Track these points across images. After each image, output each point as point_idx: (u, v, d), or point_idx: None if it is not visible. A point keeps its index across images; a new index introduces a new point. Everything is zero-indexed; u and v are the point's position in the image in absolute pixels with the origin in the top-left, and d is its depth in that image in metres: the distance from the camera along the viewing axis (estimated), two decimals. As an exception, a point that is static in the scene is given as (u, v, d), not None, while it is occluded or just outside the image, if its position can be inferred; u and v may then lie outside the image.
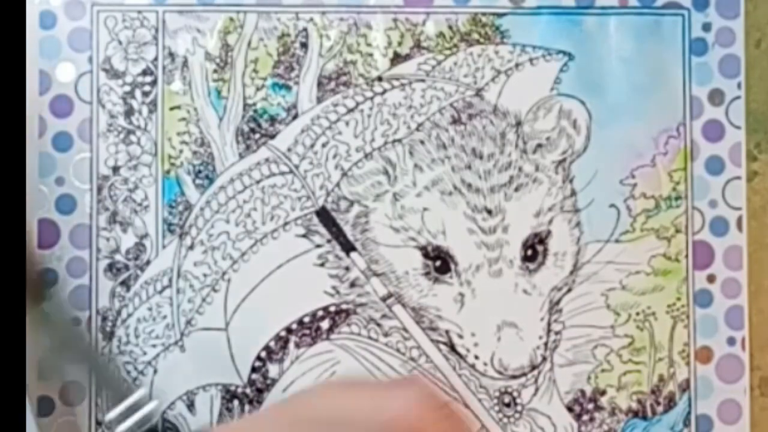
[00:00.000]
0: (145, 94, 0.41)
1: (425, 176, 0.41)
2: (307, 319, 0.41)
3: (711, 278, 0.42)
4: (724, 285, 0.42)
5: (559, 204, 0.42)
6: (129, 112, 0.41)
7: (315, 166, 0.41)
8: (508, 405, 0.41)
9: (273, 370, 0.40)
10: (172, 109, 0.41)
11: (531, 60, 0.42)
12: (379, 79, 0.41)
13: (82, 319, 0.40)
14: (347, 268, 0.41)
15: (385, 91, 0.41)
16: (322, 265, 0.41)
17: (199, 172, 0.41)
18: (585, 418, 0.41)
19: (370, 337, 0.41)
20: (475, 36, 0.42)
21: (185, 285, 0.40)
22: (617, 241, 0.42)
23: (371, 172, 0.41)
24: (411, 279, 0.41)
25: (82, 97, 0.40)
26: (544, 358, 0.41)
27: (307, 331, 0.41)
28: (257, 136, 0.41)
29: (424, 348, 0.41)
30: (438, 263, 0.41)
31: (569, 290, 0.41)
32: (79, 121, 0.40)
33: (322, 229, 0.41)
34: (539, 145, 0.42)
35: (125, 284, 0.40)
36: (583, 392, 0.41)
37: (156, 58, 0.41)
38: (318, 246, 0.41)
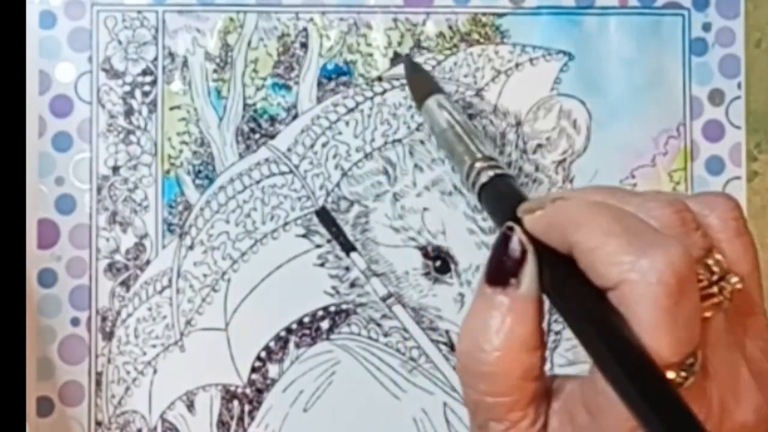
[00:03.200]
0: (145, 94, 0.41)
1: (425, 176, 0.41)
2: (307, 319, 0.41)
3: (711, 278, 0.42)
4: (724, 285, 0.42)
5: (559, 204, 0.41)
6: (129, 112, 0.41)
7: (315, 166, 0.41)
8: (508, 405, 0.41)
9: (273, 370, 0.40)
10: (172, 109, 0.41)
11: (531, 60, 0.42)
12: (379, 79, 0.41)
13: (82, 319, 0.40)
14: (347, 268, 0.41)
15: (385, 91, 0.41)
16: (322, 265, 0.41)
17: (199, 172, 0.41)
18: (585, 418, 0.41)
19: (370, 337, 0.41)
20: (475, 36, 0.42)
21: (185, 285, 0.40)
22: (617, 241, 0.42)
23: (371, 172, 0.41)
24: (411, 279, 0.41)
25: (82, 97, 0.40)
26: (544, 359, 0.41)
27: (307, 331, 0.41)
28: (257, 136, 0.41)
29: (424, 348, 0.41)
30: (438, 263, 0.41)
31: (569, 290, 0.41)
32: (79, 121, 0.40)
33: (322, 229, 0.41)
34: (539, 145, 0.42)
35: (125, 284, 0.40)
36: (583, 392, 0.41)
37: (156, 58, 0.41)
38: (318, 246, 0.41)
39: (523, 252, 0.26)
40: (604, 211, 0.25)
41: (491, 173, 0.33)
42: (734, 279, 0.25)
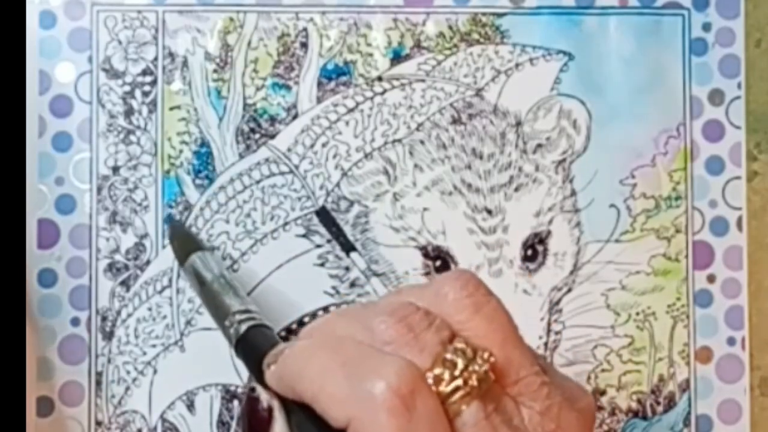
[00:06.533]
0: (145, 94, 0.41)
1: (425, 176, 0.41)
2: (307, 319, 0.41)
3: (711, 278, 0.42)
4: (724, 285, 0.42)
5: (559, 204, 0.42)
6: (129, 112, 0.41)
7: (315, 166, 0.41)
8: (508, 405, 0.41)
9: (273, 370, 0.40)
10: (172, 109, 0.41)
11: (531, 60, 0.42)
12: (379, 79, 0.41)
13: (82, 319, 0.40)
14: (347, 268, 0.41)
15: (385, 91, 0.41)
16: (322, 265, 0.41)
17: (199, 172, 0.41)
18: (585, 418, 0.41)
19: (370, 337, 0.41)
20: (475, 36, 0.42)
21: (185, 285, 0.40)
22: (617, 241, 0.42)
23: (371, 172, 0.41)
24: (411, 279, 0.41)
25: (82, 97, 0.40)
26: (544, 359, 0.41)
27: (307, 331, 0.40)
28: (257, 136, 0.41)
29: (424, 348, 0.41)
30: (438, 263, 0.41)
31: (569, 290, 0.41)
32: (79, 121, 0.40)
33: (322, 229, 0.41)
34: (539, 145, 0.42)
35: (125, 284, 0.40)
36: (583, 392, 0.41)
37: (156, 58, 0.41)
38: (318, 246, 0.41)
39: (270, 410, 0.27)
40: (320, 352, 0.25)
41: (246, 326, 0.33)
42: (480, 361, 0.24)
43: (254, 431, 0.27)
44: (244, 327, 0.33)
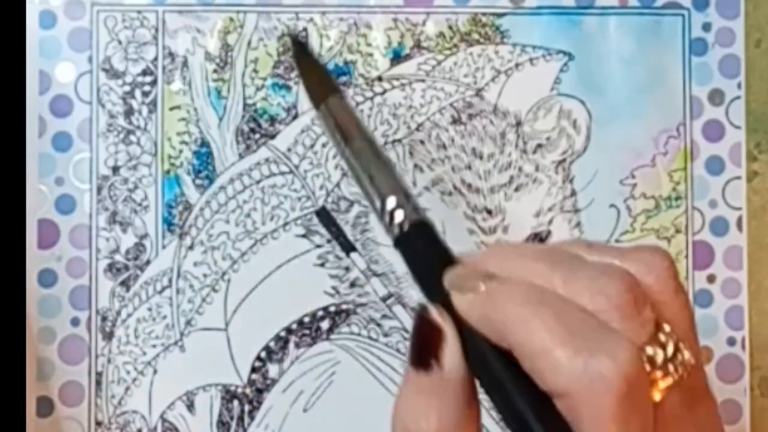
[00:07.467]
0: (145, 94, 0.41)
1: (425, 176, 0.41)
2: (307, 319, 0.41)
3: (711, 278, 0.42)
4: (724, 285, 0.42)
5: (559, 204, 0.42)
6: (129, 112, 0.41)
7: (315, 166, 0.41)
8: (508, 405, 0.41)
9: (273, 370, 0.40)
10: (171, 109, 0.41)
11: (531, 60, 0.42)
12: (379, 79, 0.41)
13: (82, 319, 0.40)
14: (347, 268, 0.41)
15: (385, 91, 0.41)
16: (322, 265, 0.41)
17: (199, 172, 0.41)
18: (585, 418, 0.41)
19: (370, 337, 0.41)
20: (475, 36, 0.42)
21: (185, 285, 0.40)
22: (617, 241, 0.42)
23: (371, 172, 0.41)
24: (411, 279, 0.41)
25: (82, 97, 0.40)
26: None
27: (307, 331, 0.41)
28: (257, 136, 0.41)
29: (424, 348, 0.41)
30: (438, 263, 0.41)
31: (569, 290, 0.41)
32: (79, 121, 0.40)
33: (322, 229, 0.41)
34: (539, 145, 0.42)
35: (125, 284, 0.40)
36: (583, 392, 0.41)
37: (156, 58, 0.41)
38: (318, 246, 0.41)
39: (440, 331, 0.25)
40: (544, 309, 0.23)
41: (409, 221, 0.28)
42: (687, 353, 0.24)
43: (422, 351, 0.25)
44: (406, 223, 0.28)
